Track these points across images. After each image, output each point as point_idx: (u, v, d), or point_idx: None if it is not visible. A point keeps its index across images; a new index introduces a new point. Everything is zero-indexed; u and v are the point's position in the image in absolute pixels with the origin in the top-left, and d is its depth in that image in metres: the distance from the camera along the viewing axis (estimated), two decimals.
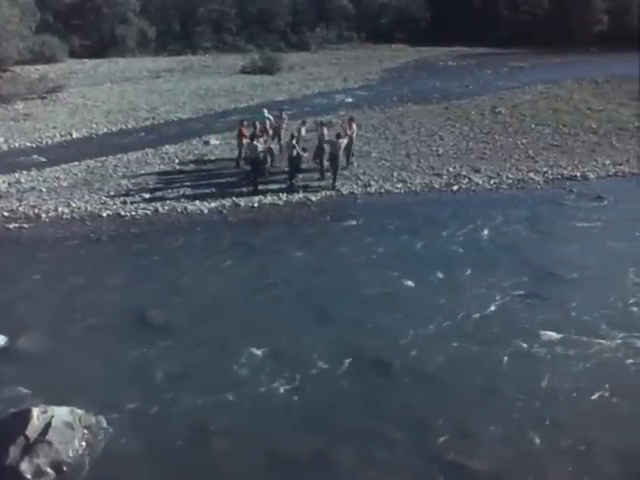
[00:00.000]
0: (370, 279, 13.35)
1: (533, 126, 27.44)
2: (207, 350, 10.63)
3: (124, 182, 19.79)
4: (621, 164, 21.82)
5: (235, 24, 67.84)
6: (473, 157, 22.36)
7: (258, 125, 21.19)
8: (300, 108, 33.08)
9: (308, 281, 13.34)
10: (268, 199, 18.27)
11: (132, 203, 17.82)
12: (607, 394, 9.45)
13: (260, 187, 19.01)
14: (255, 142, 19.09)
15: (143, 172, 20.85)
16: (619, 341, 10.82)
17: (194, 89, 39.50)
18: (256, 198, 18.24)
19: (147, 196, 18.40)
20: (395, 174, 20.49)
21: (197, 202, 17.95)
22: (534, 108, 31.95)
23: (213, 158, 22.58)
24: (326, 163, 19.61)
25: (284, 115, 23.27)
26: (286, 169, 19.97)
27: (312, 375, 9.96)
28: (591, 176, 20.62)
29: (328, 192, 18.99)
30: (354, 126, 21.54)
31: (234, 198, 18.24)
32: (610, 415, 9.04)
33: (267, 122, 22.15)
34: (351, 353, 10.51)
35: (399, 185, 19.58)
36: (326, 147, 19.41)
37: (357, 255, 14.69)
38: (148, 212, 17.31)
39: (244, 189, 18.95)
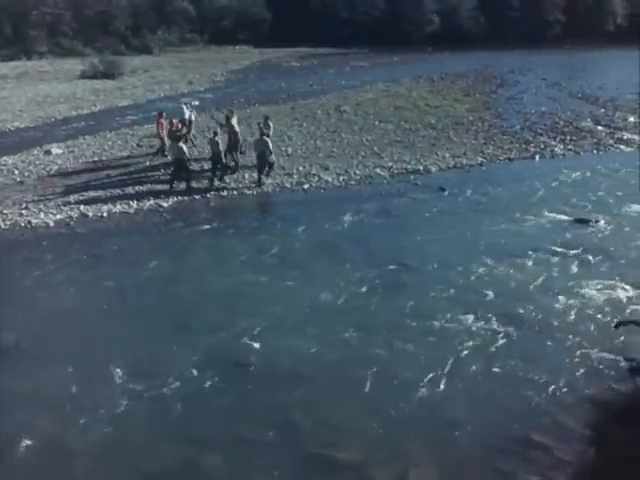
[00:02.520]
0: (226, 281, 13.31)
1: (377, 123, 28.51)
2: (63, 370, 10.12)
3: None
4: (459, 156, 23.13)
5: (72, 27, 65.28)
6: (322, 155, 22.87)
7: (175, 123, 21.26)
8: (146, 112, 32.42)
9: (163, 289, 13.12)
10: (117, 207, 17.77)
11: None
12: (458, 376, 9.98)
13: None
14: (180, 143, 19.34)
15: None
16: (464, 324, 11.44)
17: (31, 96, 37.66)
18: (105, 207, 17.69)
19: None
20: (247, 176, 20.56)
21: (42, 215, 17.11)
22: (377, 106, 33.21)
23: (56, 167, 21.64)
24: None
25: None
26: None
27: (175, 385, 9.77)
28: (433, 169, 21.70)
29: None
30: (271, 124, 22.04)
31: (81, 208, 17.60)
32: (460, 396, 9.56)
33: (187, 115, 23.08)
34: (212, 358, 10.44)
35: (252, 187, 19.66)
36: (253, 146, 20.39)
37: (212, 258, 14.62)
38: None
39: (93, 196, 18.33)
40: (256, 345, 10.84)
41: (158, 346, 10.84)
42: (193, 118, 23.81)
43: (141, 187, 19.40)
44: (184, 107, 24.06)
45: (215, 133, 19.98)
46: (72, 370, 10.14)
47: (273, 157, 20.59)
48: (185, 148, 19.58)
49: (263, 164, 19.95)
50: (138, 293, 12.96)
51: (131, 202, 18.16)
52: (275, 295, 12.64)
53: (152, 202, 18.22)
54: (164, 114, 22.25)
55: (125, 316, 12.03)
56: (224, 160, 19.96)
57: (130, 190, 19.14)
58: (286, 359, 10.44)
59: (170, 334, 11.27)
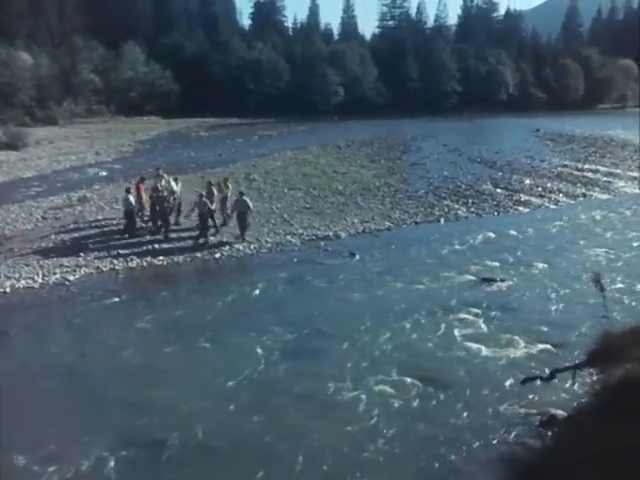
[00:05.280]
0: (137, 356, 12.95)
1: (286, 191, 28.94)
2: None
3: None
4: (367, 221, 23.68)
5: None
6: (232, 224, 22.87)
7: (162, 188, 21.99)
8: (51, 184, 31.83)
9: (71, 365, 12.62)
10: (21, 282, 17.15)
11: None
12: (372, 440, 10.01)
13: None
14: (129, 195, 20.81)
15: None
16: (376, 387, 11.52)
17: None
18: (8, 283, 17.03)
19: None
20: (157, 246, 20.32)
21: None
22: (285, 173, 33.82)
23: None
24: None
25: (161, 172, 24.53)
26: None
27: (86, 466, 9.36)
28: (343, 235, 22.08)
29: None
30: (230, 185, 23.82)
31: None
32: (377, 461, 9.56)
33: (175, 188, 23.33)
34: (124, 436, 10.06)
35: (161, 257, 19.43)
36: (233, 206, 21.67)
37: (122, 331, 14.20)
38: None
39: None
40: (169, 420, 10.53)
41: (67, 427, 10.37)
42: (177, 188, 23.72)
43: (46, 261, 18.82)
44: (169, 178, 24.21)
45: (201, 195, 21.10)
46: None
47: (250, 217, 21.58)
48: (132, 202, 20.87)
49: (244, 223, 20.96)
50: (44, 370, 12.42)
51: (35, 277, 17.56)
52: (188, 367, 12.40)
53: (58, 276, 17.68)
54: (144, 180, 23.31)
55: (31, 394, 11.49)
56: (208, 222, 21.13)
57: (34, 264, 18.53)
58: (201, 433, 10.18)
59: (79, 412, 10.84)
